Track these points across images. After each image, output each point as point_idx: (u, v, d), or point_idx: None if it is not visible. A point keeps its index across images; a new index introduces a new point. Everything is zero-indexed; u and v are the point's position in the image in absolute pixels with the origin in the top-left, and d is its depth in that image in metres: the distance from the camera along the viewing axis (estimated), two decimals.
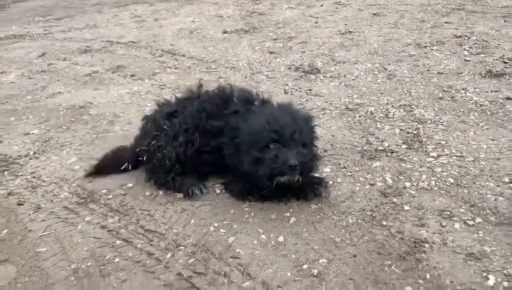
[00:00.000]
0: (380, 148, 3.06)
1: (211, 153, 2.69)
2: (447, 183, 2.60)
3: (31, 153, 3.41)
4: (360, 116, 3.61)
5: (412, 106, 3.73)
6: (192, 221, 2.46)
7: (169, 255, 2.22)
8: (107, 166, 2.98)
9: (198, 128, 2.69)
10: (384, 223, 2.31)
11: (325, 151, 3.07)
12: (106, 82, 5.14)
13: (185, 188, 2.67)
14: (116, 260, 2.22)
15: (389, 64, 4.95)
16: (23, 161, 3.31)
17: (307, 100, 4.06)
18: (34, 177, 3.06)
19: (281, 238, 2.27)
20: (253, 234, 2.32)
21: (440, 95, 3.94)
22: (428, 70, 4.65)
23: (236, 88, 2.89)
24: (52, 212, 2.64)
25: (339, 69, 4.90)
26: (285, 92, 4.32)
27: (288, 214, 2.45)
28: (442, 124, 3.36)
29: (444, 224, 2.27)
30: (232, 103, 2.76)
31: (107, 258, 2.23)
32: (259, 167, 2.37)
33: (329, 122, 3.55)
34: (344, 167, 2.86)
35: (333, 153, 3.04)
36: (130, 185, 2.87)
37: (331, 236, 2.25)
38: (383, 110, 3.68)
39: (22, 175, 3.10)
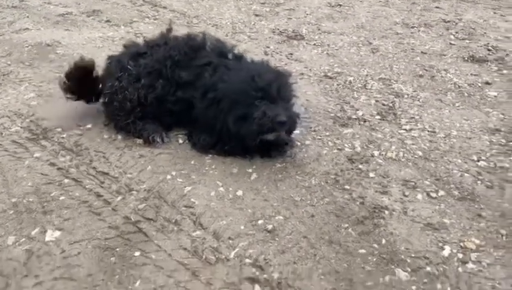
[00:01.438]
0: (354, 116, 2.98)
1: (175, 103, 2.54)
2: (416, 156, 2.55)
3: None
4: (338, 85, 3.50)
5: (391, 80, 3.65)
6: (149, 167, 2.33)
7: (119, 198, 2.10)
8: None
9: (162, 75, 2.53)
10: (347, 187, 2.24)
11: (298, 115, 2.95)
12: (79, 24, 4.87)
13: (146, 133, 2.53)
14: (62, 198, 2.08)
15: (374, 39, 4.83)
16: None
17: (286, 64, 3.92)
18: None
19: (239, 193, 2.17)
20: (211, 185, 2.21)
21: (421, 73, 3.86)
22: (412, 49, 4.56)
23: (210, 37, 2.72)
24: None
25: (323, 38, 4.76)
26: (266, 54, 4.16)
27: (250, 170, 2.35)
28: (418, 100, 3.29)
29: (406, 194, 2.22)
30: (204, 53, 2.61)
31: (51, 195, 2.09)
32: (244, 124, 2.25)
33: (306, 87, 3.43)
34: (314, 131, 2.76)
35: (306, 117, 2.93)
36: (89, 126, 2.70)
37: (291, 195, 2.17)
38: (362, 81, 3.58)
39: None
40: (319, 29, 5.10)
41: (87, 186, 2.16)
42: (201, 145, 2.47)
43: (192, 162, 2.39)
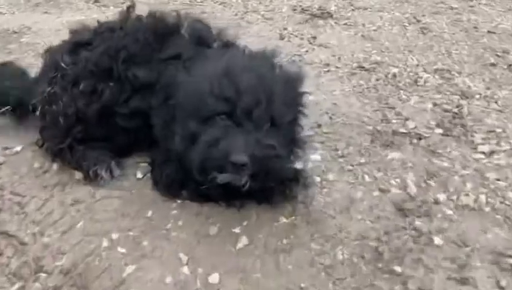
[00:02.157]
0: (402, 130, 2.02)
1: (130, 117, 1.69)
2: (508, 202, 1.59)
3: None
4: (377, 80, 2.54)
5: (453, 72, 2.64)
6: (81, 224, 1.50)
7: (15, 287, 1.28)
8: None
9: (112, 76, 1.67)
10: (398, 268, 1.33)
11: (319, 126, 2.04)
12: (62, 6, 4.09)
13: (86, 165, 1.68)
14: None
15: (424, 15, 3.77)
16: None
17: (307, 50, 2.98)
18: None
19: (213, 278, 1.31)
20: (170, 262, 1.35)
21: (492, 60, 2.83)
22: (475, 27, 3.48)
23: (189, 18, 1.83)
24: None
25: (356, 16, 3.75)
26: (281, 38, 3.23)
27: (237, 230, 1.47)
28: (496, 102, 2.29)
29: (503, 284, 1.28)
30: (176, 40, 1.73)
31: None
32: (193, 149, 1.39)
33: (333, 85, 2.50)
34: (342, 156, 1.84)
35: (330, 131, 2.01)
36: (17, 149, 1.89)
37: (302, 285, 1.28)
38: (411, 75, 2.60)
39: None
40: (351, 5, 4.07)
41: None
42: (165, 184, 1.61)
43: (149, 214, 1.54)
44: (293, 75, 1.53)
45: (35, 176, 1.73)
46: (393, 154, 1.84)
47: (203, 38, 1.76)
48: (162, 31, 1.76)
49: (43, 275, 1.31)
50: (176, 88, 1.52)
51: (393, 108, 2.22)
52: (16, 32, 3.40)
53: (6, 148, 1.89)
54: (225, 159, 1.27)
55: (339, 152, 1.85)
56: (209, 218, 1.52)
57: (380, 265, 1.34)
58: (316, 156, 1.80)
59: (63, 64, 1.71)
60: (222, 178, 1.36)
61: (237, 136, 1.30)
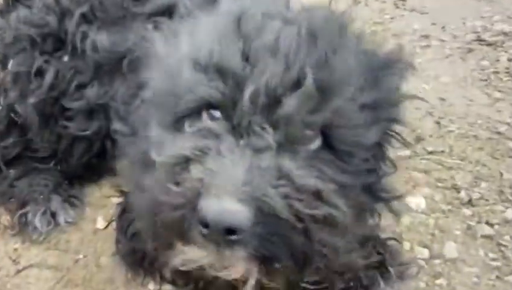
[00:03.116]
0: None
1: (88, 117, 0.97)
2: None
3: None
4: (510, 60, 1.60)
5: None
6: None
7: None
8: None
9: (62, 46, 0.97)
10: None
11: (418, 140, 1.18)
12: None
13: (11, 205, 1.00)
14: None
15: None
16: None
17: (392, 18, 2.10)
18: None
19: None
20: None
21: None
22: None
23: None
24: None
25: None
26: (355, 2, 2.35)
27: None
28: None
29: None
30: None
31: None
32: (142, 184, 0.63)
33: (437, 67, 1.62)
34: (470, 202, 0.98)
35: (439, 150, 1.16)
36: None
37: None
38: None
39: None
40: None
41: None
42: (126, 250, 0.87)
43: None
44: (384, 54, 0.71)
45: None
46: None
47: None
48: None
49: None
50: (150, 67, 0.77)
51: None
52: None
53: None
54: (192, 212, 0.51)
55: (461, 194, 1.00)
56: None
57: None
58: (418, 201, 0.97)
59: None
60: (183, 259, 0.58)
61: (234, 156, 0.52)
